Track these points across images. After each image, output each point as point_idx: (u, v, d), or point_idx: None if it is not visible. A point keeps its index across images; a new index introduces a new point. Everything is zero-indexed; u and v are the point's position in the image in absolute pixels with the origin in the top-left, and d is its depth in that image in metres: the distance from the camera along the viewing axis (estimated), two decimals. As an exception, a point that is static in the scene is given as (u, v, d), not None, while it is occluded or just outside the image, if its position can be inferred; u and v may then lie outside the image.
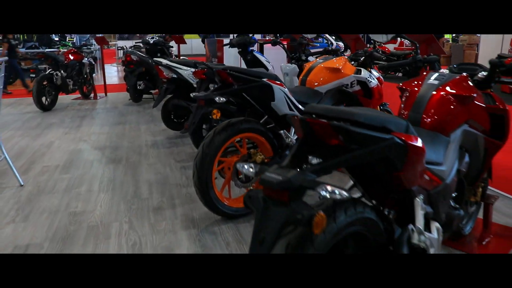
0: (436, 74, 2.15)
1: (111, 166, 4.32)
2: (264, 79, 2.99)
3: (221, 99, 3.01)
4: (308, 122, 1.43)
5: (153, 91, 8.17)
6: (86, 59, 8.18)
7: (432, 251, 1.67)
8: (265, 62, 5.37)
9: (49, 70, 7.66)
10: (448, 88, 2.02)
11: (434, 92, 2.02)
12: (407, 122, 1.49)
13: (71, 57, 7.79)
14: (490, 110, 2.14)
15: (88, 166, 4.32)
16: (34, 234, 2.89)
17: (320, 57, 3.69)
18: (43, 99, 7.30)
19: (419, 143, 1.49)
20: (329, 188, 1.26)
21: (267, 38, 12.59)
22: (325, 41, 10.91)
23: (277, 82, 3.04)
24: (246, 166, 1.51)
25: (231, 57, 8.09)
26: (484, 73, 2.23)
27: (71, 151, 4.87)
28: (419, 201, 1.66)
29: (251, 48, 5.49)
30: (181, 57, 9.05)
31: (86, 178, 3.98)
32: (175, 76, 5.17)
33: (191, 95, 3.34)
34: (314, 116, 1.46)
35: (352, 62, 3.56)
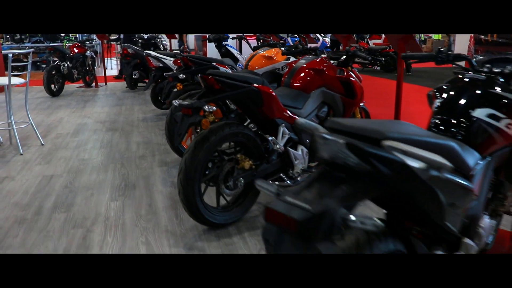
0: (305, 57, 3.60)
1: (110, 133, 5.78)
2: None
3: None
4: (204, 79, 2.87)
5: (146, 80, 9.62)
6: (88, 52, 9.63)
7: (295, 159, 2.89)
8: (236, 54, 6.83)
9: (57, 61, 9.10)
10: (309, 65, 3.47)
11: (300, 67, 3.46)
12: (262, 79, 2.94)
13: (76, 50, 9.25)
14: (341, 79, 3.56)
15: (92, 133, 5.78)
16: (55, 171, 4.34)
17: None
18: (52, 86, 8.76)
19: (268, 90, 2.93)
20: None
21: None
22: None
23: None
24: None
25: (214, 50, 9.54)
26: (343, 57, 3.66)
27: (78, 124, 6.34)
28: (281, 128, 3.10)
29: (224, 43, 6.94)
30: (173, 51, 10.55)
31: (90, 140, 5.45)
32: (161, 65, 6.63)
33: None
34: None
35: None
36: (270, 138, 3.04)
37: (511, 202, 2.31)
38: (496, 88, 1.97)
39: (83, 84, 10.02)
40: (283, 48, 4.86)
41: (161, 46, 10.63)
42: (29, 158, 4.72)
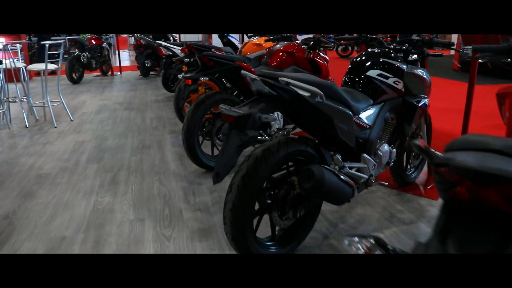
0: (281, 42, 4.68)
1: (127, 111, 6.93)
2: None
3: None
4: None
5: (158, 69, 10.77)
6: (105, 43, 10.80)
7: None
8: (236, 43, 7.94)
9: (77, 52, 10.27)
10: (283, 48, 4.55)
11: (276, 49, 4.55)
12: (245, 59, 4.03)
13: (94, 42, 10.42)
14: (309, 59, 4.63)
15: (112, 112, 6.93)
16: (85, 138, 5.48)
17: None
18: (73, 74, 9.93)
19: (248, 67, 4.02)
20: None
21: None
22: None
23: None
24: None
25: (218, 39, 10.66)
26: (311, 43, 4.73)
27: (99, 105, 7.50)
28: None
29: (226, 34, 8.06)
30: (181, 41, 11.68)
31: (111, 116, 6.60)
32: (170, 53, 7.75)
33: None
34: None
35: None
36: None
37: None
38: (387, 58, 3.05)
39: (100, 73, 11.19)
40: (271, 37, 5.93)
41: (171, 38, 11.76)
42: (62, 130, 5.88)
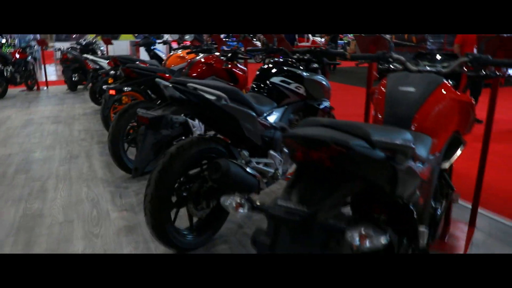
0: (201, 55, 5.05)
1: (54, 125, 7.05)
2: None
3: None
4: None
5: (85, 82, 10.84)
6: (29, 57, 10.75)
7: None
8: (162, 56, 8.25)
9: (0, 66, 10.16)
10: (203, 59, 4.92)
11: (196, 61, 4.92)
12: (167, 70, 4.36)
13: (18, 56, 10.35)
14: (227, 70, 5.02)
15: (38, 125, 7.02)
16: (11, 151, 5.58)
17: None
18: (-4, 89, 9.83)
19: (168, 77, 4.36)
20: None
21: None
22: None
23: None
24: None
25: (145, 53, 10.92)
26: (229, 54, 5.13)
27: (25, 119, 7.54)
28: None
29: (153, 47, 8.36)
30: (108, 55, 11.82)
31: (38, 130, 6.70)
32: (97, 67, 7.94)
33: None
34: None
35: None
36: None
37: None
38: (289, 66, 3.50)
39: (25, 88, 11.10)
40: (194, 49, 6.32)
41: (99, 52, 11.87)
42: (-12, 144, 5.94)
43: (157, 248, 2.99)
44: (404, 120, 2.10)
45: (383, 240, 1.22)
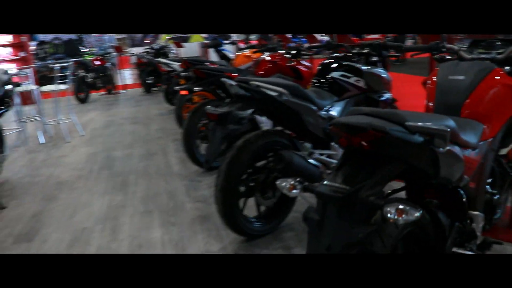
0: (266, 54, 5.28)
1: (132, 125, 7.57)
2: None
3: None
4: None
5: (159, 84, 11.44)
6: (108, 63, 11.49)
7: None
8: (230, 56, 8.59)
9: (82, 73, 10.95)
10: (268, 58, 5.15)
11: (261, 59, 5.15)
12: (234, 69, 4.63)
13: (97, 63, 11.11)
14: (291, 67, 5.22)
15: (119, 126, 7.57)
16: (96, 149, 6.10)
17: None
18: (80, 94, 10.61)
19: (235, 75, 4.63)
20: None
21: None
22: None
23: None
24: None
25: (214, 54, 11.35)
26: (293, 52, 5.32)
27: (106, 121, 8.14)
28: None
29: (220, 48, 8.72)
30: (180, 57, 12.39)
31: (118, 130, 7.23)
32: (170, 69, 8.40)
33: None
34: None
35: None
36: None
37: None
38: (348, 61, 3.65)
39: (105, 92, 11.88)
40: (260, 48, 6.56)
41: (171, 55, 12.44)
42: (75, 144, 6.51)
43: (228, 235, 3.25)
44: (454, 108, 2.21)
45: (416, 213, 1.38)
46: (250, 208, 3.24)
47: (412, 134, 1.54)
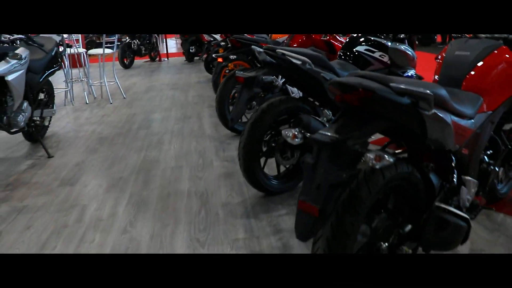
0: None
1: (172, 91, 7.93)
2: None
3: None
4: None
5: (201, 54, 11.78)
6: (153, 31, 11.87)
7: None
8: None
9: (128, 40, 11.38)
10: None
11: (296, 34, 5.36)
12: (271, 41, 4.88)
13: (143, 30, 11.50)
14: (325, 41, 5.41)
15: (159, 91, 7.96)
16: (136, 111, 6.49)
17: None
18: (125, 60, 11.07)
19: (267, 45, 4.88)
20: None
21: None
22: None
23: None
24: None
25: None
26: None
27: (148, 86, 8.54)
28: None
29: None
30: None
31: (158, 95, 7.62)
32: (212, 39, 8.70)
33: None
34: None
35: None
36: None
37: None
38: (374, 36, 3.84)
39: (149, 59, 12.32)
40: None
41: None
42: (117, 105, 6.93)
43: (249, 191, 3.55)
44: (456, 81, 2.40)
45: (390, 159, 1.64)
46: (272, 167, 3.52)
47: (401, 96, 1.77)
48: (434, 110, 1.83)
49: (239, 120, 4.34)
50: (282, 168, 3.52)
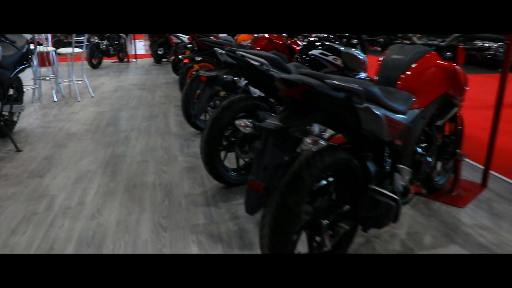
0: None
1: (140, 91, 8.13)
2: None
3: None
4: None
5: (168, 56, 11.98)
6: (122, 32, 12.01)
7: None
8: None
9: (97, 40, 11.50)
10: (265, 36, 5.67)
11: (260, 37, 5.67)
12: (236, 44, 5.16)
13: (112, 31, 11.63)
14: (286, 45, 5.74)
15: (127, 91, 8.13)
16: (104, 109, 6.67)
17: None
18: (93, 60, 11.18)
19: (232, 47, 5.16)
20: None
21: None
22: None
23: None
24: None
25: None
26: None
27: (116, 86, 8.71)
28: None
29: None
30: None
31: (126, 94, 7.80)
32: (179, 41, 8.92)
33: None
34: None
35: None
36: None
37: None
38: (329, 41, 4.17)
39: (117, 60, 12.44)
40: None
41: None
42: (85, 103, 7.09)
43: (210, 183, 3.81)
44: (391, 81, 2.73)
45: (323, 143, 1.94)
46: (232, 161, 3.78)
47: (337, 91, 2.07)
48: (366, 104, 2.14)
49: (203, 118, 4.61)
50: (242, 162, 3.78)
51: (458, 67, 2.99)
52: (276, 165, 1.99)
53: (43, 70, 9.69)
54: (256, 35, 6.60)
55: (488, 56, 11.56)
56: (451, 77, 2.90)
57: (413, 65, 2.74)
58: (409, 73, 2.72)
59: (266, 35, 5.73)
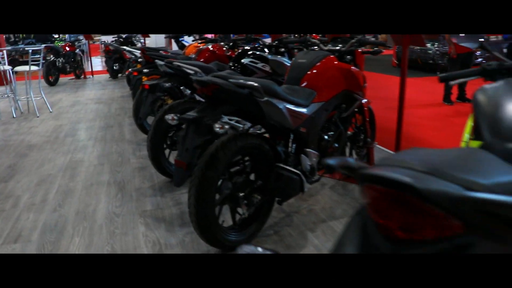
0: (208, 44, 6.45)
1: (96, 104, 8.63)
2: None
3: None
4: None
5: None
6: (78, 50, 12.48)
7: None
8: (186, 44, 9.73)
9: (53, 58, 11.91)
10: (209, 47, 6.31)
11: (203, 49, 6.32)
12: (183, 56, 5.79)
13: (68, 49, 12.09)
14: (228, 56, 6.39)
15: (84, 105, 8.63)
16: (62, 122, 7.16)
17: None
18: (50, 78, 11.58)
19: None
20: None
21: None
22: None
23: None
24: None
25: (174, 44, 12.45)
26: (231, 44, 6.49)
27: (73, 101, 9.18)
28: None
29: (180, 38, 9.85)
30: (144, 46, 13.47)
31: (83, 108, 8.29)
32: (133, 56, 9.48)
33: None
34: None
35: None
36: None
37: None
38: (258, 50, 4.83)
39: (74, 77, 12.87)
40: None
41: (139, 44, 13.50)
42: (44, 118, 7.56)
43: (158, 178, 4.40)
44: (296, 80, 3.40)
45: (227, 127, 2.59)
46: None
47: (241, 88, 2.71)
48: (266, 98, 2.79)
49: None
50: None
51: (354, 67, 3.68)
52: (194, 147, 2.62)
53: (1, 88, 10.07)
54: (200, 47, 7.25)
55: (430, 62, 12.55)
56: (348, 76, 3.58)
57: (314, 67, 3.41)
58: (310, 74, 3.39)
59: (210, 47, 6.38)
